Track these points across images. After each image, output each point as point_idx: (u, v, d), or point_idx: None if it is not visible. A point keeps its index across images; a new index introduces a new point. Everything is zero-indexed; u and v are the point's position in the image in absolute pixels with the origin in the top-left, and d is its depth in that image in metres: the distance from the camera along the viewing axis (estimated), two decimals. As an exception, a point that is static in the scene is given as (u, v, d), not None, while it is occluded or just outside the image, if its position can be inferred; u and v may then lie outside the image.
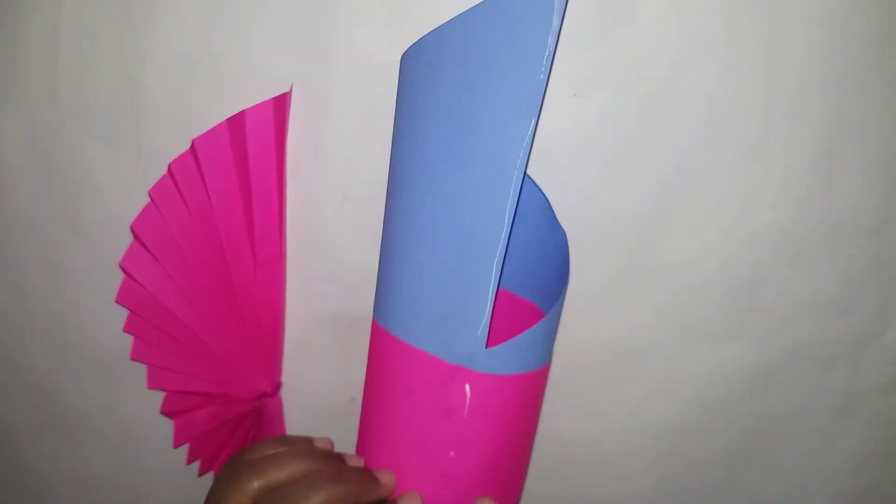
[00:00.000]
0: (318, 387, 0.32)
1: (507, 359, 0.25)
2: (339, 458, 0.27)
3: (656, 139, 0.27)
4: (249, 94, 0.29)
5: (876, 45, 0.25)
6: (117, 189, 0.31)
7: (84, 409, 0.35)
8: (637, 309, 0.29)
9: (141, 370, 0.32)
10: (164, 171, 0.28)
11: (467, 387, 0.24)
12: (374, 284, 0.30)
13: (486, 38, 0.22)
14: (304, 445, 0.27)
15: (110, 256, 0.31)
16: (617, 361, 0.29)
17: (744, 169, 0.27)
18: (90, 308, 0.33)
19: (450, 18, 0.23)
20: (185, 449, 0.33)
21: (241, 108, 0.27)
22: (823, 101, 0.26)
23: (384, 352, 0.26)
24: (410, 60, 0.25)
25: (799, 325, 0.29)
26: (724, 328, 0.29)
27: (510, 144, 0.22)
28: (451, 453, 0.25)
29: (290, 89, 0.28)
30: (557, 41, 0.21)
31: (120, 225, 0.30)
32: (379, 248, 0.29)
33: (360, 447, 0.28)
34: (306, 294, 0.31)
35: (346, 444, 0.33)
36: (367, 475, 0.26)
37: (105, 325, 0.32)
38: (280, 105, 0.28)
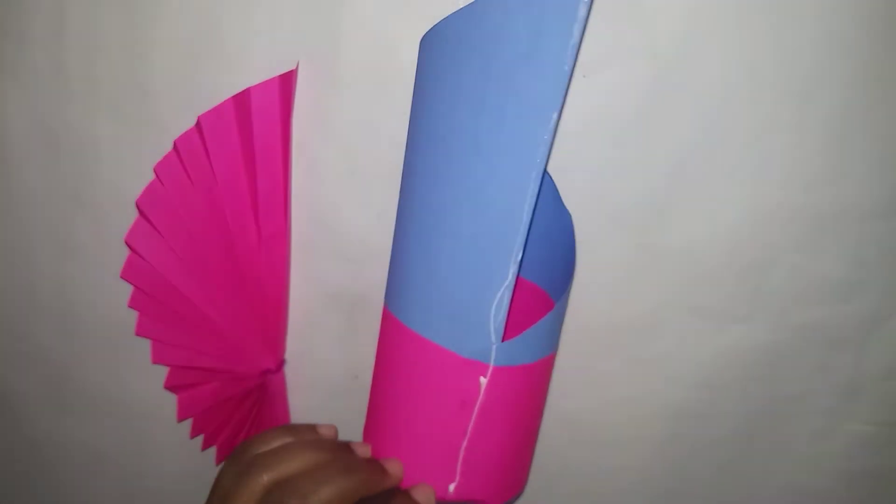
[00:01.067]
0: (322, 364, 0.32)
1: (521, 350, 0.25)
2: (347, 447, 0.27)
3: (665, 121, 0.26)
4: (256, 71, 0.28)
5: (891, 29, 0.25)
6: (124, 165, 0.31)
7: (90, 384, 0.35)
8: (645, 291, 0.29)
9: (146, 345, 0.32)
10: (170, 146, 0.28)
11: (482, 379, 0.24)
12: (379, 262, 0.30)
13: (511, 25, 0.21)
14: (310, 435, 0.27)
15: (116, 232, 0.31)
16: (624, 343, 0.29)
17: (753, 150, 0.26)
18: (96, 283, 0.33)
19: (472, 1, 0.22)
20: (189, 424, 0.33)
21: (248, 85, 0.27)
22: (835, 83, 0.25)
23: (397, 342, 0.26)
24: (431, 43, 0.24)
25: (806, 308, 0.28)
26: (732, 310, 0.29)
27: (532, 137, 0.21)
28: (464, 443, 0.25)
29: (297, 67, 0.28)
30: (583, 32, 0.20)
31: (126, 200, 0.30)
32: (384, 226, 0.29)
33: (369, 435, 0.28)
34: (311, 271, 0.31)
35: (349, 421, 0.33)
36: (375, 466, 0.26)
37: (111, 300, 0.32)
38: (286, 82, 0.28)
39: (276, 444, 0.26)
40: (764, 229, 0.27)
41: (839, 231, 0.27)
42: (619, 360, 0.29)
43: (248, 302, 0.30)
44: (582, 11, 0.20)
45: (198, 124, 0.28)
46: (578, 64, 0.26)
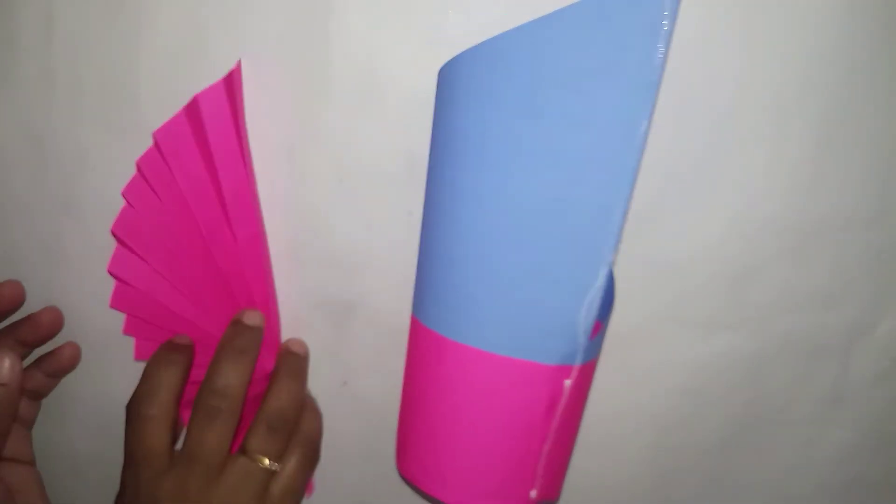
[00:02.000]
0: (311, 370, 0.32)
1: (597, 345, 0.26)
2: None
3: (651, 131, 0.26)
4: (244, 79, 0.28)
5: (877, 39, 0.25)
6: (111, 171, 0.31)
7: (78, 388, 0.35)
8: (629, 299, 0.29)
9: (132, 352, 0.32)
10: (158, 153, 0.28)
11: (567, 382, 0.25)
12: (368, 270, 0.30)
13: (591, 39, 0.22)
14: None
15: (104, 239, 0.31)
16: (609, 350, 0.29)
17: (737, 160, 0.27)
18: (83, 290, 0.33)
19: (540, 17, 0.22)
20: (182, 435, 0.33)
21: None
22: (818, 93, 0.26)
23: (462, 365, 0.26)
24: (483, 58, 0.24)
25: (791, 316, 0.28)
26: (718, 319, 0.29)
27: (623, 143, 0.22)
28: (546, 447, 0.26)
29: (239, 65, 0.28)
30: (669, 44, 0.21)
31: (114, 207, 0.30)
32: (373, 234, 0.29)
33: (420, 456, 0.28)
34: (299, 278, 0.31)
35: (338, 427, 0.33)
36: (238, 328, 0.29)
37: (99, 305, 0.32)
38: (231, 83, 0.28)
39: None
40: (748, 239, 0.27)
41: (823, 240, 0.28)
42: (603, 366, 0.29)
43: (238, 308, 0.30)
44: (666, 27, 0.21)
45: (154, 140, 0.28)
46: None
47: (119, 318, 0.32)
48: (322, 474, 0.33)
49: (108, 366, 0.34)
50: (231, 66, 0.28)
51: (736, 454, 0.31)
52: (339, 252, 0.30)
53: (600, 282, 0.23)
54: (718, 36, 0.25)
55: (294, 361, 0.31)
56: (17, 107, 0.32)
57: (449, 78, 0.25)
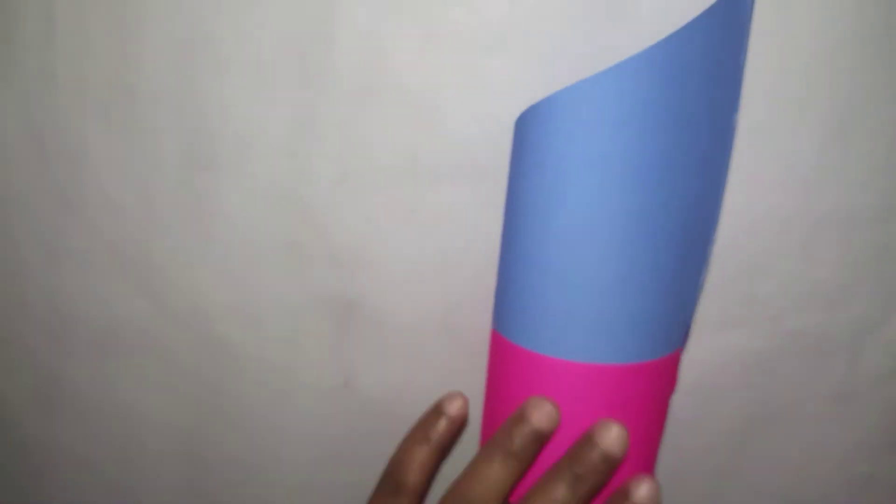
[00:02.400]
0: (312, 369, 0.32)
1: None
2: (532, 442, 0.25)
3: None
4: (247, 73, 0.28)
5: (885, 33, 0.25)
6: (113, 169, 0.31)
7: (79, 390, 0.35)
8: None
9: (136, 351, 0.32)
10: (161, 151, 0.28)
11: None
12: (371, 268, 0.30)
13: (709, 48, 0.23)
14: (446, 426, 0.26)
15: (106, 237, 0.31)
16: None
17: (745, 155, 0.26)
18: (86, 288, 0.33)
19: (684, 25, 0.22)
20: (183, 434, 0.33)
21: (239, 87, 0.27)
22: (828, 88, 0.25)
23: (563, 380, 0.25)
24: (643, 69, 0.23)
25: (800, 313, 0.28)
26: (725, 316, 0.28)
27: (726, 143, 0.24)
28: (662, 431, 0.27)
29: None
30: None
31: (116, 205, 0.30)
32: (375, 232, 0.29)
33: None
34: (301, 276, 0.31)
35: (338, 427, 0.33)
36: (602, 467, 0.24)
37: (101, 305, 0.32)
38: None
39: (422, 457, 0.26)
40: (757, 233, 0.27)
41: (832, 236, 0.27)
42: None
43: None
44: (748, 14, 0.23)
45: None
46: (570, 68, 0.26)
47: (121, 319, 0.32)
48: (322, 474, 0.33)
49: (109, 366, 0.34)
50: (234, 62, 0.28)
51: (743, 453, 0.31)
52: (341, 250, 0.30)
53: (707, 263, 0.26)
54: (724, 30, 0.25)
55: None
56: (17, 104, 0.31)
57: (553, 109, 0.24)
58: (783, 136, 0.26)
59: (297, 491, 0.34)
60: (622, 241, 0.24)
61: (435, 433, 0.26)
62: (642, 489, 0.24)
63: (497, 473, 0.24)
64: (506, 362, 0.27)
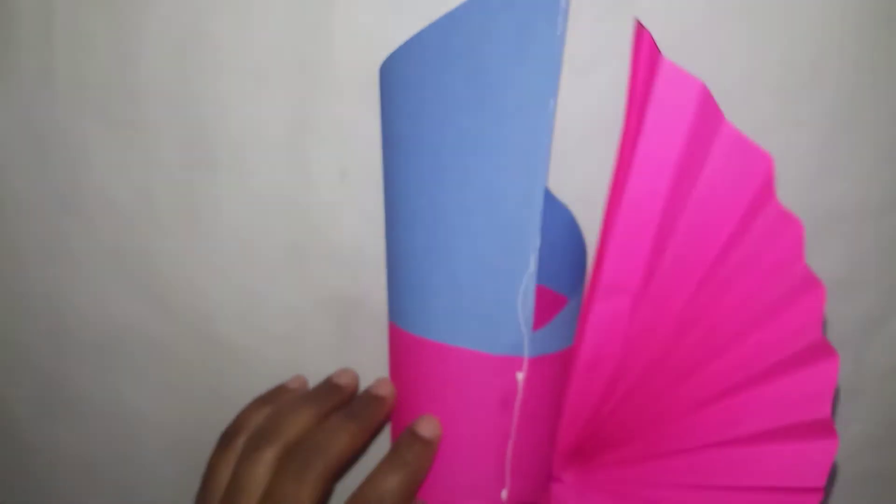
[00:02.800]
0: (315, 368, 0.32)
1: (552, 337, 0.25)
2: (332, 387, 0.27)
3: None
4: (247, 73, 0.28)
5: (888, 24, 0.25)
6: (113, 168, 0.30)
7: (81, 391, 0.35)
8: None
9: (138, 352, 0.32)
10: (160, 149, 0.28)
11: (519, 375, 0.24)
12: (373, 267, 0.30)
13: (497, 26, 0.22)
14: (286, 395, 0.27)
15: (107, 237, 0.31)
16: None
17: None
18: (87, 289, 0.33)
19: (449, 11, 0.23)
20: (184, 435, 0.33)
21: (239, 87, 0.27)
22: (830, 80, 0.25)
23: (420, 358, 0.26)
24: (409, 56, 0.24)
25: (804, 308, 0.28)
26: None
27: (535, 126, 0.22)
28: (510, 445, 0.25)
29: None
30: (567, 20, 0.21)
31: (116, 204, 0.30)
32: (377, 231, 0.29)
33: None
34: (302, 276, 0.31)
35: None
36: (371, 398, 0.26)
37: (102, 306, 0.32)
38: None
39: (259, 417, 0.25)
40: (760, 229, 0.27)
41: (836, 230, 0.27)
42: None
43: None
44: (563, 3, 0.21)
45: None
46: (572, 63, 0.26)
47: (123, 320, 0.31)
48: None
49: (113, 370, 0.34)
50: (234, 60, 0.28)
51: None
52: (342, 249, 0.30)
53: (532, 268, 0.23)
54: (725, 23, 0.25)
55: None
56: (16, 103, 0.31)
57: (384, 76, 0.25)
58: (787, 129, 0.26)
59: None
60: (423, 218, 0.25)
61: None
62: (423, 421, 0.25)
63: (393, 483, 0.24)
64: (398, 352, 0.27)
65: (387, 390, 0.27)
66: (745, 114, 0.26)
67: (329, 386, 0.27)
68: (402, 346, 0.27)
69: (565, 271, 0.27)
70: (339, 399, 0.26)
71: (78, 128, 0.31)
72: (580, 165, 0.27)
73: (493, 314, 0.24)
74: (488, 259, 0.24)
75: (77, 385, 0.35)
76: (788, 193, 0.27)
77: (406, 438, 0.25)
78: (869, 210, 0.27)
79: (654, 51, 0.22)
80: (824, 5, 0.24)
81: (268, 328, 0.32)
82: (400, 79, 0.25)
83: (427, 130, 0.24)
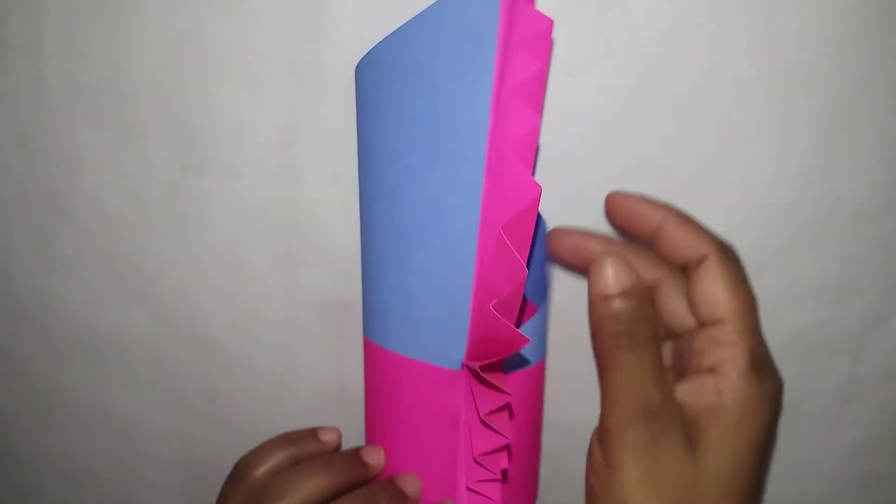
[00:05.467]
0: (308, 373, 0.32)
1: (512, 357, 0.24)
2: (357, 460, 0.26)
3: (651, 120, 0.26)
4: (238, 76, 0.28)
5: (888, 23, 0.24)
6: (105, 172, 0.30)
7: (75, 397, 0.35)
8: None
9: (132, 358, 0.32)
10: (152, 154, 0.28)
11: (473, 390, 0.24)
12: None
13: (445, 40, 0.22)
14: (313, 444, 0.27)
15: (99, 241, 0.31)
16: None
17: (741, 150, 0.26)
18: (79, 294, 0.33)
19: (405, 22, 0.22)
20: (179, 440, 0.32)
21: (230, 90, 0.27)
22: (824, 79, 0.25)
23: (381, 368, 0.26)
24: (369, 67, 0.24)
25: (801, 310, 0.28)
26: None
27: (472, 141, 0.22)
28: (460, 460, 0.25)
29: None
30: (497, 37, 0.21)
31: (108, 209, 0.30)
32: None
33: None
34: (296, 279, 0.31)
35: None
36: (395, 493, 0.25)
37: (95, 311, 0.32)
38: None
39: (276, 460, 0.25)
40: (755, 230, 0.27)
41: (832, 231, 0.27)
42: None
43: None
44: (491, 24, 0.21)
45: None
46: (563, 63, 0.26)
47: (116, 326, 0.31)
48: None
49: (107, 375, 0.34)
50: (224, 64, 0.28)
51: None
52: (336, 252, 0.30)
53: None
54: (724, 24, 0.25)
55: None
56: (7, 108, 0.31)
57: (356, 82, 0.25)
58: (777, 131, 0.26)
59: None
60: (380, 228, 0.25)
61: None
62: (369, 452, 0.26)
63: None
64: (367, 361, 0.27)
65: (414, 487, 0.26)
66: (736, 116, 0.26)
67: (355, 459, 0.26)
68: (368, 355, 0.27)
69: (535, 281, 0.27)
70: (360, 476, 0.26)
71: (69, 132, 0.31)
72: (575, 165, 0.27)
73: (444, 328, 0.24)
74: (439, 272, 0.24)
75: (70, 390, 0.35)
76: (787, 193, 0.26)
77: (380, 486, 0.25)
78: (868, 210, 0.27)
79: None
80: (824, 5, 0.24)
81: (261, 332, 0.32)
82: (363, 87, 0.24)
83: (386, 141, 0.24)
